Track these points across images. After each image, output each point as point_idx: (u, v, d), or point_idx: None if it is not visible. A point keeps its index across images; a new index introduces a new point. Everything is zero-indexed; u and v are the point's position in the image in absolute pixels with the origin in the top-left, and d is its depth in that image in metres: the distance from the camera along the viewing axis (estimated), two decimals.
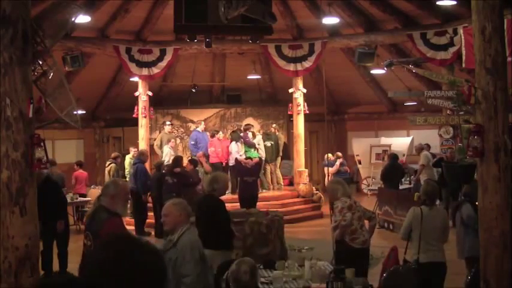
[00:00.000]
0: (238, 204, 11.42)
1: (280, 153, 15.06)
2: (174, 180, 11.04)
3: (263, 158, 13.72)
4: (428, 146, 13.53)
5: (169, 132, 14.73)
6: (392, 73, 14.47)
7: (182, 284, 4.04)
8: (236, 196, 12.40)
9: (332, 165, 13.15)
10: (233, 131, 14.67)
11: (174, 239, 4.11)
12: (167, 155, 13.54)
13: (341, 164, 13.32)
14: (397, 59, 13.30)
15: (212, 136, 14.14)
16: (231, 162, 13.32)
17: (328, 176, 13.09)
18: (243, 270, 3.61)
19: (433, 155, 12.97)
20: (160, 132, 15.55)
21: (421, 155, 12.52)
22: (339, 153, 14.03)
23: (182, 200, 4.47)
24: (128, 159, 13.45)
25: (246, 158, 13.63)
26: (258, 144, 14.05)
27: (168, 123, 15.13)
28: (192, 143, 14.13)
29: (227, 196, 11.36)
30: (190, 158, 12.97)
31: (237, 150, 13.41)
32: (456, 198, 11.58)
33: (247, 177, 11.15)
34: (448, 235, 5.87)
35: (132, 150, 13.55)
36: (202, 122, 15.07)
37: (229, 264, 3.90)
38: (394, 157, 12.95)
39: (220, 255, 5.97)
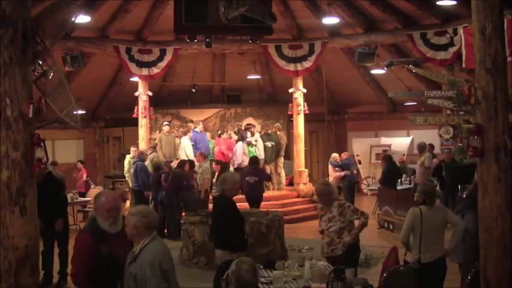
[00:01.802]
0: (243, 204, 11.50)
1: (282, 153, 15.05)
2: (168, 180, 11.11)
3: (261, 157, 13.74)
4: (432, 147, 13.45)
5: (167, 132, 14.68)
6: (392, 73, 14.47)
7: None
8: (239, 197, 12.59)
9: (337, 166, 13.06)
10: (236, 132, 14.78)
11: (136, 252, 3.91)
12: (187, 147, 13.53)
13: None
14: (397, 59, 13.30)
15: (219, 136, 14.18)
16: (237, 163, 13.40)
17: (333, 176, 12.98)
18: (244, 269, 3.60)
19: (434, 155, 12.92)
20: (160, 132, 15.52)
21: (426, 157, 12.33)
22: (348, 153, 13.97)
23: (143, 209, 4.10)
24: (128, 159, 13.43)
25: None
26: (256, 141, 14.07)
27: (165, 123, 14.99)
28: (192, 143, 14.17)
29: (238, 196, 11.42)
30: (188, 159, 12.87)
31: (242, 151, 13.49)
32: (454, 198, 11.57)
33: (249, 178, 11.16)
34: (461, 224, 5.77)
35: (132, 150, 13.55)
36: (201, 123, 15.11)
37: (228, 264, 3.87)
38: (390, 159, 12.93)
39: (229, 255, 5.92)
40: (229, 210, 6.24)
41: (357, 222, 6.00)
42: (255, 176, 11.29)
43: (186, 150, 13.73)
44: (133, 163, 12.09)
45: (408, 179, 13.73)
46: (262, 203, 11.51)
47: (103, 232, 4.10)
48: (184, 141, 13.97)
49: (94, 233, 4.12)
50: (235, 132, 14.92)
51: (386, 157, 12.99)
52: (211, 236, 6.45)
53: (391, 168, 12.63)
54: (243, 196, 10.95)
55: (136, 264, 3.85)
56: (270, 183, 14.52)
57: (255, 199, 11.14)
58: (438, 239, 5.58)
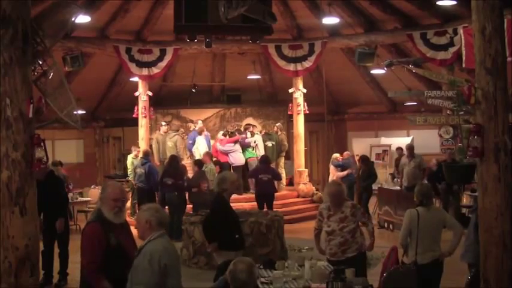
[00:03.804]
0: (248, 204, 11.66)
1: (283, 154, 15.04)
2: (172, 181, 11.05)
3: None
4: (401, 150, 13.45)
5: (164, 132, 14.63)
6: (392, 73, 14.46)
7: None
8: (246, 196, 12.66)
9: (339, 165, 13.01)
10: (233, 132, 14.76)
11: (142, 246, 3.93)
12: (202, 146, 13.46)
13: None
14: (397, 59, 13.29)
15: (224, 135, 14.17)
16: (236, 163, 13.38)
17: (335, 176, 12.92)
18: (239, 268, 3.63)
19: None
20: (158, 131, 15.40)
21: (420, 159, 12.13)
22: (349, 153, 13.93)
23: (154, 206, 4.12)
24: (130, 159, 13.40)
25: (246, 159, 13.75)
26: (255, 142, 14.04)
27: (163, 123, 14.89)
28: (190, 142, 14.09)
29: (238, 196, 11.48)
30: (196, 159, 12.66)
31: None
32: (457, 197, 11.54)
33: (262, 175, 11.20)
34: (460, 227, 5.76)
35: (135, 150, 13.50)
36: (200, 121, 15.08)
37: (228, 264, 3.88)
38: (367, 160, 12.78)
39: (226, 256, 5.92)
40: (223, 210, 6.24)
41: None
42: (268, 174, 11.34)
43: (201, 149, 13.62)
44: (142, 164, 12.00)
45: None
46: None
47: (109, 222, 4.13)
48: (200, 140, 13.85)
49: (102, 222, 4.14)
50: (233, 133, 14.81)
51: (363, 158, 12.72)
52: (205, 235, 6.46)
53: (369, 171, 12.44)
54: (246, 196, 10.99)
55: (139, 256, 3.87)
56: None
57: (268, 197, 11.25)
58: (435, 240, 5.57)
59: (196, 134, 14.25)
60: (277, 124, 15.71)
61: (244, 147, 13.89)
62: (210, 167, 11.88)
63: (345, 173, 12.73)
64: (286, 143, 15.03)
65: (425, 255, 5.47)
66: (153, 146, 14.31)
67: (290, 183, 15.39)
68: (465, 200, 11.77)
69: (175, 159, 11.68)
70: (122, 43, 13.41)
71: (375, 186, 14.83)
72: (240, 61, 15.78)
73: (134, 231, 4.33)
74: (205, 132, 14.29)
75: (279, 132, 15.16)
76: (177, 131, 14.04)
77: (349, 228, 5.67)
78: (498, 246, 4.82)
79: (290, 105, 14.59)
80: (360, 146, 17.73)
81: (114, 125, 18.21)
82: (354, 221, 5.70)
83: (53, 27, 5.37)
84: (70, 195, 11.71)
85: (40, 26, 4.95)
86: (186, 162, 13.73)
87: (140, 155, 12.97)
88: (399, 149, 14.23)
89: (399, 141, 17.25)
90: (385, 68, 13.26)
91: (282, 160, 15.03)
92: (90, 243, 4.13)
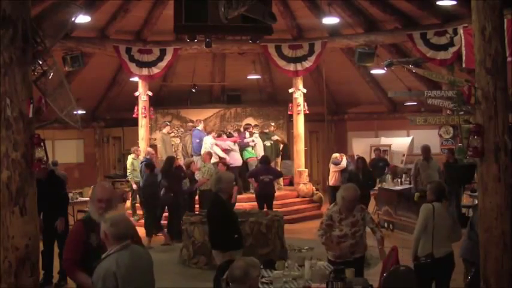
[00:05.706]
0: (248, 204, 11.67)
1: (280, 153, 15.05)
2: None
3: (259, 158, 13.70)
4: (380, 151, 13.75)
5: (167, 132, 14.55)
6: (392, 73, 14.47)
7: None
8: (246, 196, 12.79)
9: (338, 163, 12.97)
10: (228, 133, 14.78)
11: (101, 259, 3.69)
12: (211, 147, 13.40)
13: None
14: (397, 59, 13.29)
15: (219, 136, 14.15)
16: (235, 163, 13.37)
17: (334, 175, 12.88)
18: (236, 265, 3.66)
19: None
20: (160, 131, 15.36)
21: (432, 163, 11.90)
22: (342, 154, 13.90)
23: (115, 217, 3.78)
24: (130, 159, 13.39)
25: (246, 159, 13.74)
26: (253, 141, 14.01)
27: (167, 123, 14.94)
28: (198, 141, 13.96)
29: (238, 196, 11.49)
30: (147, 162, 11.77)
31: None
32: (459, 197, 11.53)
33: (264, 176, 11.22)
34: (460, 233, 5.84)
35: (136, 151, 13.47)
36: (202, 121, 15.05)
37: (229, 264, 3.89)
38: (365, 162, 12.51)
39: (224, 256, 5.93)
40: (221, 210, 6.24)
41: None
42: (269, 175, 11.35)
43: (214, 149, 13.54)
44: (141, 163, 11.96)
45: (408, 178, 13.69)
46: None
47: (95, 222, 4.14)
48: (209, 141, 13.73)
49: (86, 222, 4.28)
50: (230, 133, 14.76)
51: (363, 160, 12.08)
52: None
53: (370, 173, 11.95)
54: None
55: (96, 270, 3.66)
56: None
57: (269, 197, 11.27)
58: (448, 234, 5.67)
59: (201, 134, 14.10)
60: (271, 123, 15.73)
61: (244, 147, 13.87)
62: (209, 166, 11.86)
63: (339, 167, 12.52)
64: (277, 137, 14.98)
65: (439, 249, 5.53)
66: (159, 145, 14.29)
67: (290, 183, 15.39)
68: (465, 200, 11.77)
69: (171, 161, 11.66)
70: (121, 43, 13.41)
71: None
72: (240, 61, 15.78)
73: None
74: (214, 134, 14.20)
75: (272, 130, 15.19)
76: (190, 130, 14.13)
77: (361, 232, 5.73)
78: (498, 246, 4.82)
79: (290, 105, 14.59)
80: (360, 146, 17.70)
81: (114, 125, 18.22)
82: (364, 225, 5.75)
83: (53, 27, 5.37)
84: (70, 195, 11.69)
85: (40, 26, 4.95)
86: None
87: (142, 155, 12.98)
88: (377, 150, 14.77)
89: (399, 141, 17.27)
90: (385, 68, 13.25)
91: (279, 160, 15.05)
92: (70, 240, 4.32)
